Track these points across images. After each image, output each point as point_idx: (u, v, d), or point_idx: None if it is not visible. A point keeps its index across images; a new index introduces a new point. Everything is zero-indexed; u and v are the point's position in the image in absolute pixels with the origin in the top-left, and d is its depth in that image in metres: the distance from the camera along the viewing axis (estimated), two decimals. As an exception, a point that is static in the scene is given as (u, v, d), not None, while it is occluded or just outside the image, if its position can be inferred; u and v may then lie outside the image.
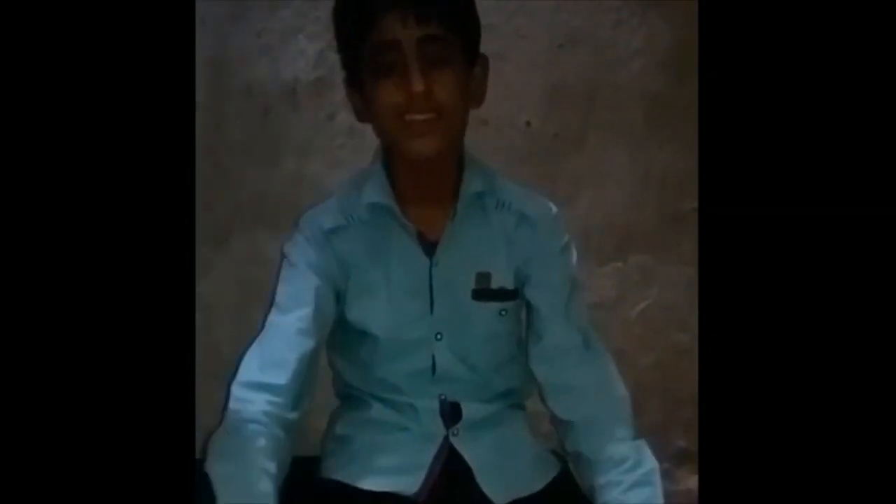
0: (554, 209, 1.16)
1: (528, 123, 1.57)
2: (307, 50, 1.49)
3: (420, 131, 1.03)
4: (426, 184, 1.11)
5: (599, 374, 1.13)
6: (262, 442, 1.00)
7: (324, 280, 1.11)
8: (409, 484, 1.09)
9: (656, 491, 1.03)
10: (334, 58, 1.46)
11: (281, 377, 1.05)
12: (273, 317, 1.11)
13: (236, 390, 1.06)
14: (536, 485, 1.12)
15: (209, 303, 1.52)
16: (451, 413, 1.13)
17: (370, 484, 1.09)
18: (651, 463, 1.06)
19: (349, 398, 1.18)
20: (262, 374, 1.06)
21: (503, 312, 1.13)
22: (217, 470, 0.97)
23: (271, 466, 0.98)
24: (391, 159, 1.12)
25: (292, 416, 1.05)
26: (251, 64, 1.49)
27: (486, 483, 1.09)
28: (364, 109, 1.09)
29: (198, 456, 1.40)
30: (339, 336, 1.15)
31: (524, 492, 1.10)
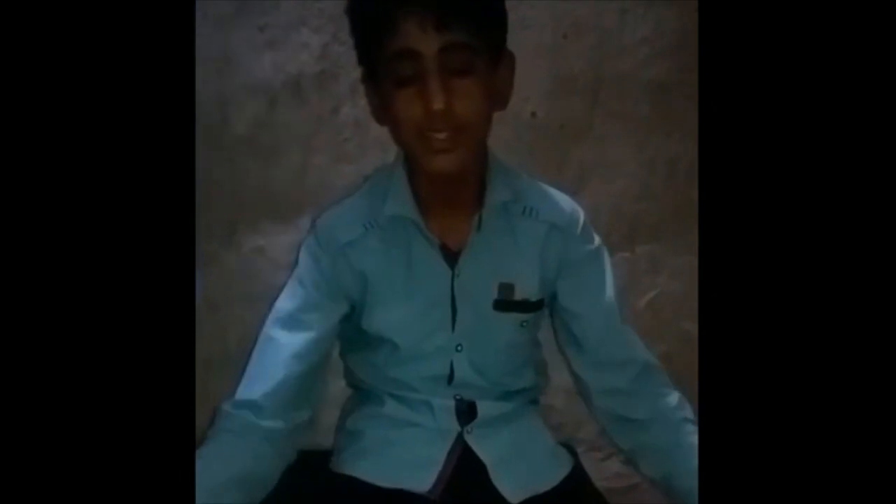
0: (582, 214, 1.13)
1: (533, 114, 1.56)
2: (311, 43, 1.48)
3: (440, 148, 0.98)
4: (449, 191, 1.07)
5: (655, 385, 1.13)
6: (230, 449, 1.02)
7: (332, 300, 1.09)
8: (422, 481, 1.08)
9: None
10: (339, 51, 1.46)
11: (265, 396, 1.05)
12: (271, 329, 1.10)
13: (223, 405, 1.07)
14: (550, 482, 1.11)
15: (215, 297, 1.52)
16: (466, 411, 1.12)
17: (383, 480, 1.08)
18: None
19: (360, 391, 1.17)
20: (247, 391, 1.07)
21: (524, 324, 1.11)
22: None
23: (234, 470, 0.99)
24: (412, 165, 1.07)
25: (276, 426, 1.05)
26: (255, 58, 1.48)
27: (500, 481, 1.08)
28: (382, 113, 1.04)
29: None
30: (354, 337, 1.14)
31: (538, 489, 1.09)
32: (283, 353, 1.08)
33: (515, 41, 1.43)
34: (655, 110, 1.59)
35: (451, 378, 1.10)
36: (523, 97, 1.54)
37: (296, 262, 1.14)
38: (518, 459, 1.11)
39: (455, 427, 1.11)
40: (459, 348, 1.10)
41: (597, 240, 1.14)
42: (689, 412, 1.10)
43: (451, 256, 1.08)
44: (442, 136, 0.97)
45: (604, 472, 1.48)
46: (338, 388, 1.25)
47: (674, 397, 1.11)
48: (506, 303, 1.09)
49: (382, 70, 0.99)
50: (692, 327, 1.61)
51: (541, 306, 1.11)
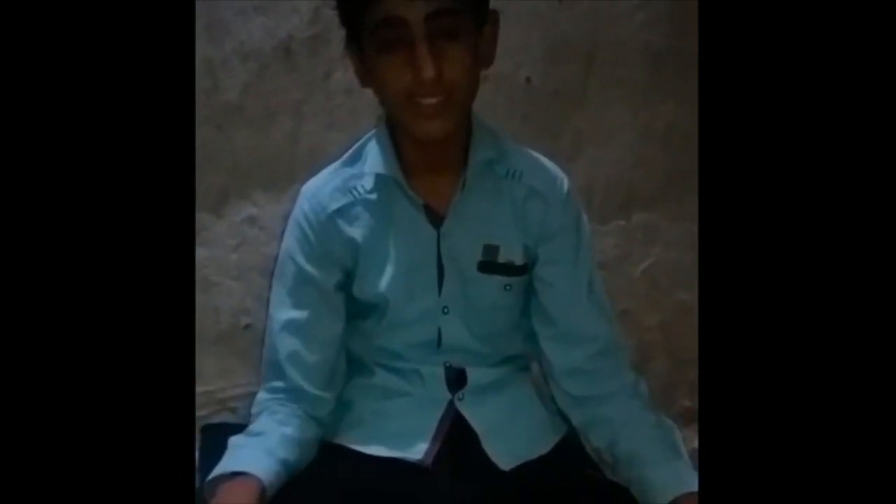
0: (566, 183, 1.11)
1: (528, 80, 1.55)
2: (301, 7, 1.46)
3: (430, 114, 0.98)
4: (433, 153, 1.06)
5: (619, 362, 1.13)
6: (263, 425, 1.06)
7: (324, 271, 1.09)
8: (414, 449, 1.07)
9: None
10: (330, 15, 1.43)
11: (280, 380, 1.09)
12: (273, 311, 1.12)
13: (259, 393, 1.12)
14: (542, 448, 1.11)
15: (207, 266, 1.51)
16: (456, 379, 1.12)
17: (375, 450, 1.08)
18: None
19: (351, 362, 1.17)
20: (269, 378, 1.11)
21: (507, 287, 1.10)
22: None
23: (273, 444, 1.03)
24: (396, 127, 1.07)
25: (305, 407, 1.09)
26: (245, 22, 1.46)
27: (492, 448, 1.07)
28: (366, 76, 1.03)
29: (198, 421, 1.40)
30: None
31: (530, 455, 1.09)
32: (291, 334, 1.09)
33: (509, 6, 1.42)
34: (651, 76, 1.57)
35: (439, 343, 1.10)
36: (517, 63, 1.53)
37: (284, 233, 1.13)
38: (510, 427, 1.10)
39: (446, 395, 1.11)
40: (446, 311, 1.09)
41: (579, 211, 1.12)
42: (643, 389, 1.12)
43: (437, 218, 1.07)
44: (431, 102, 0.97)
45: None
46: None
47: (629, 376, 1.12)
48: (490, 264, 1.09)
49: (367, 36, 0.98)
50: (688, 296, 1.61)
51: (524, 271, 1.10)
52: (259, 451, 1.01)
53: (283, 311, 1.10)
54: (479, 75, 1.02)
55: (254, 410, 1.10)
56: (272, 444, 1.02)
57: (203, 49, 1.44)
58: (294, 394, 1.08)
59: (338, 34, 1.07)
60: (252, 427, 1.07)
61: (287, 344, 1.09)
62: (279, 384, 1.09)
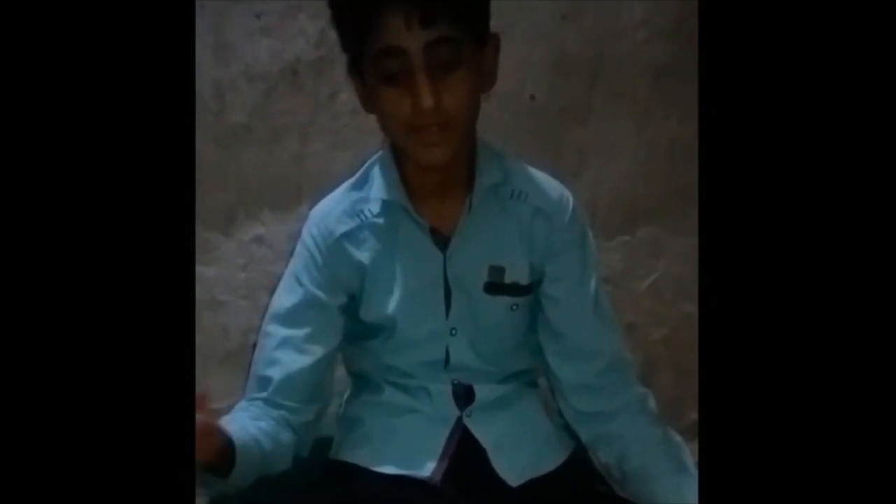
0: (571, 201, 1.12)
1: (532, 97, 1.56)
2: (308, 29, 1.48)
3: (430, 142, 0.98)
4: (438, 177, 1.06)
5: (625, 377, 1.12)
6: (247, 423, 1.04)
7: (330, 295, 1.09)
8: (422, 466, 1.07)
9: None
10: (336, 37, 1.46)
11: (274, 393, 1.08)
12: (270, 326, 1.11)
13: (238, 404, 1.10)
14: (551, 464, 1.10)
15: (215, 286, 1.52)
16: (464, 396, 1.12)
17: (384, 467, 1.08)
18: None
19: (360, 379, 1.17)
20: (255, 390, 1.09)
21: (514, 307, 1.11)
22: None
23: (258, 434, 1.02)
24: (400, 152, 1.07)
25: (288, 419, 1.08)
26: (252, 45, 1.48)
27: (500, 464, 1.07)
28: (368, 102, 1.04)
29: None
30: (351, 326, 1.13)
31: (538, 472, 1.09)
32: (285, 350, 1.09)
33: (513, 23, 1.43)
34: (655, 92, 1.58)
35: (446, 362, 1.10)
36: (521, 80, 1.54)
37: (292, 252, 1.14)
38: (518, 443, 1.10)
39: (454, 412, 1.11)
40: (454, 332, 1.10)
41: (585, 228, 1.13)
42: (652, 405, 1.12)
43: (443, 240, 1.08)
44: (432, 130, 0.97)
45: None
46: (338, 375, 1.24)
47: (637, 391, 1.12)
48: (496, 286, 1.09)
49: (368, 65, 0.98)
50: (693, 310, 1.61)
51: (530, 291, 1.11)
52: (231, 424, 0.99)
53: (281, 329, 1.10)
54: (480, 98, 1.02)
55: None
56: (245, 423, 1.01)
57: (211, 71, 1.46)
58: (272, 403, 1.07)
59: (343, 56, 1.08)
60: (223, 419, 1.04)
61: (280, 363, 1.08)
62: (261, 395, 1.08)
